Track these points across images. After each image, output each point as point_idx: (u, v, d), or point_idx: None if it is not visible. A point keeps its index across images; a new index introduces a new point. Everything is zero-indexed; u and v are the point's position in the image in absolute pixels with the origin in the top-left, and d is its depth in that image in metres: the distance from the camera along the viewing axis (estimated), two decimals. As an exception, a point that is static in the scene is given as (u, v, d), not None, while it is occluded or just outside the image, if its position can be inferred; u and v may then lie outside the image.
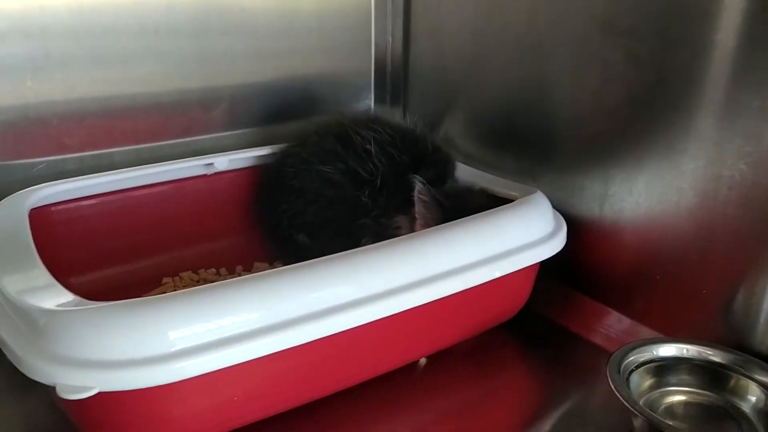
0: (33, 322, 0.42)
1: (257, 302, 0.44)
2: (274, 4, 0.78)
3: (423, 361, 0.61)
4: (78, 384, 0.39)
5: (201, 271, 0.72)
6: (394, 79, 0.90)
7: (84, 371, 0.39)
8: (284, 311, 0.45)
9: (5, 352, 0.43)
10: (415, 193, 0.61)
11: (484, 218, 0.57)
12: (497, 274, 0.55)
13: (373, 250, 0.51)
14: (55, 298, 0.44)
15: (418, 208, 0.62)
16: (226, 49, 0.76)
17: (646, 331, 0.63)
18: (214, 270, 0.73)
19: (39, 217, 0.61)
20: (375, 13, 0.86)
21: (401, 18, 0.86)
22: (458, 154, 0.80)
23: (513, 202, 0.61)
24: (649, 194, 0.60)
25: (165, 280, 0.70)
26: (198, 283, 0.71)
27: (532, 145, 0.71)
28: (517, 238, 0.57)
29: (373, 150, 0.66)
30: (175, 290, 0.68)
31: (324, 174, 0.68)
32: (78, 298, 0.44)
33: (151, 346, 0.41)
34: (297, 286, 0.46)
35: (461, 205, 0.61)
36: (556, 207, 0.65)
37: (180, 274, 0.71)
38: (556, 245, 0.59)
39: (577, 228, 0.65)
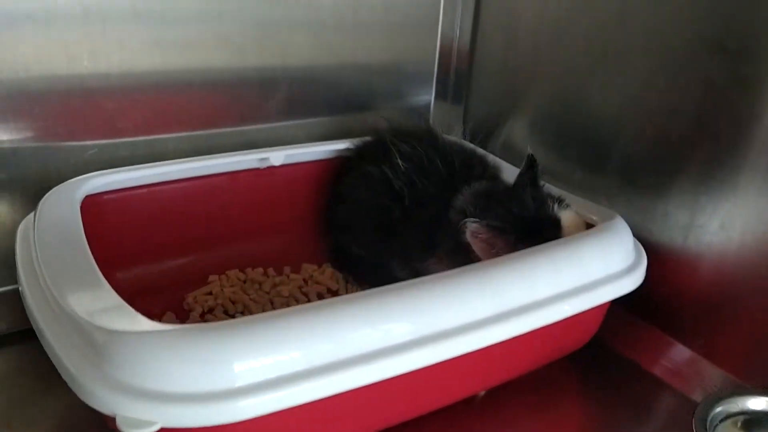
0: (92, 340, 0.39)
1: (327, 335, 0.41)
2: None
3: (482, 392, 0.58)
4: (139, 417, 0.36)
5: (248, 270, 0.70)
6: (457, 75, 0.85)
7: (145, 403, 0.36)
8: (351, 348, 0.41)
9: (60, 371, 0.40)
10: (468, 236, 0.53)
11: (561, 248, 0.53)
12: (571, 312, 0.51)
13: (439, 282, 0.47)
14: (116, 314, 0.41)
15: (477, 248, 0.54)
16: (287, 35, 0.72)
17: (720, 373, 0.59)
18: (261, 270, 0.70)
19: (88, 205, 0.58)
20: (444, 3, 0.80)
21: (471, 10, 0.81)
22: (520, 161, 0.75)
23: (591, 230, 0.56)
24: (745, 230, 0.55)
25: (211, 278, 0.68)
26: (245, 283, 0.68)
27: (610, 161, 0.66)
28: (595, 271, 0.53)
29: (402, 166, 0.63)
30: (222, 289, 0.66)
31: (365, 173, 0.65)
32: (137, 314, 0.41)
33: (216, 379, 0.38)
34: (368, 319, 0.43)
35: (534, 224, 0.55)
36: (634, 232, 0.60)
37: (227, 272, 0.69)
38: (635, 280, 0.55)
39: (654, 256, 0.60)
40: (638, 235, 0.62)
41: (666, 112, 0.60)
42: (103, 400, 0.37)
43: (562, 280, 0.51)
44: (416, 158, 0.63)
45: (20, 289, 0.48)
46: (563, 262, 0.52)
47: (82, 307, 0.42)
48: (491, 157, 0.71)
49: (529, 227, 0.54)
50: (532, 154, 0.59)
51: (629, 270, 0.55)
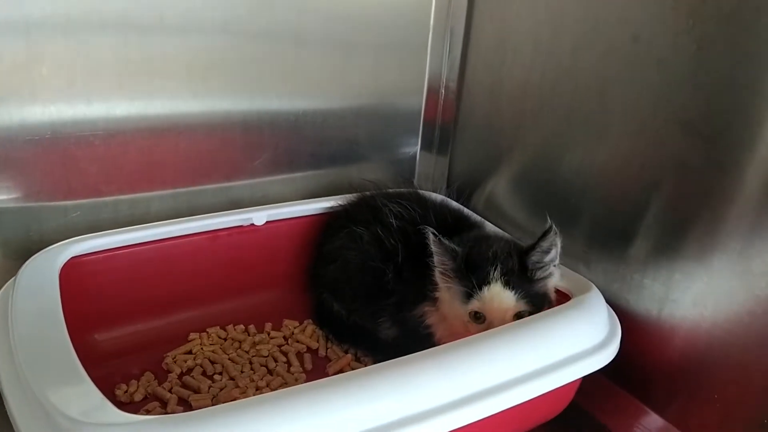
0: (58, 427, 0.40)
1: (301, 420, 0.41)
2: (329, 44, 0.74)
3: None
4: None
5: (229, 327, 0.70)
6: (442, 128, 0.86)
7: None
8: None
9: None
10: (431, 244, 0.57)
11: (532, 327, 0.53)
12: (544, 390, 0.51)
13: (413, 365, 0.47)
14: (85, 400, 0.42)
15: (435, 257, 0.58)
16: (274, 86, 0.73)
17: (693, 444, 0.59)
18: (242, 327, 0.70)
19: (68, 268, 0.59)
20: (430, 62, 0.82)
21: (457, 69, 0.82)
22: (502, 220, 0.77)
23: (565, 305, 0.56)
24: (716, 308, 0.55)
25: (192, 335, 0.68)
26: (225, 340, 0.68)
27: (588, 229, 0.67)
28: (568, 347, 0.53)
29: (395, 224, 0.64)
30: (202, 348, 0.66)
31: (355, 234, 0.66)
32: (107, 402, 0.42)
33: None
34: (338, 404, 0.43)
35: (481, 257, 0.57)
36: (610, 301, 0.61)
37: (207, 329, 0.69)
38: (607, 356, 0.55)
39: (630, 326, 0.60)
40: (615, 303, 0.62)
41: (641, 188, 0.60)
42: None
43: (534, 359, 0.51)
44: (408, 216, 0.64)
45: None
46: (536, 341, 0.52)
47: (52, 390, 0.42)
48: (477, 217, 0.72)
49: (473, 257, 0.57)
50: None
51: (602, 345, 0.55)
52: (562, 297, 0.60)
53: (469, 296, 0.56)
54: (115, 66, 0.62)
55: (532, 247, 0.57)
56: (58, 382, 0.44)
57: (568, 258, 0.67)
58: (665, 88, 0.57)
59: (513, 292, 0.56)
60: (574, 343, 0.54)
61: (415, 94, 0.84)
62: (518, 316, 0.57)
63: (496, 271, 0.57)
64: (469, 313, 0.57)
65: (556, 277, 0.60)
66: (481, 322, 0.57)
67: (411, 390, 0.46)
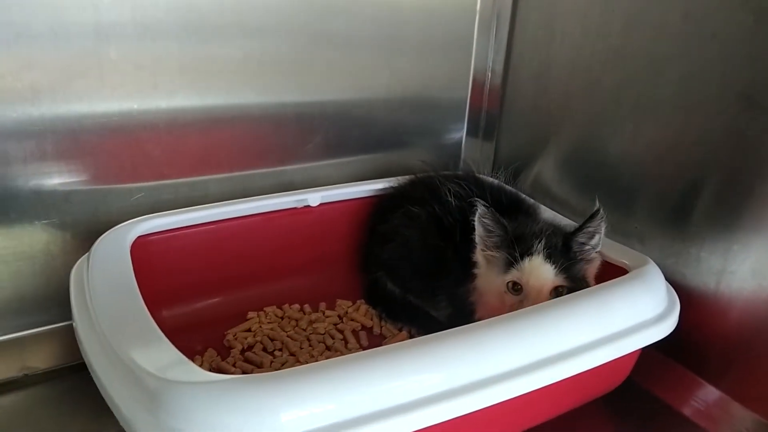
0: (146, 387, 0.41)
1: (370, 384, 0.43)
2: (376, 33, 0.76)
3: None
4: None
5: (285, 306, 0.72)
6: (488, 113, 0.87)
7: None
8: (394, 397, 0.43)
9: (114, 412, 0.42)
10: (477, 216, 0.59)
11: (592, 297, 0.53)
12: (603, 361, 0.51)
13: (474, 334, 0.48)
14: (169, 361, 0.43)
15: (478, 231, 0.59)
16: (325, 77, 0.75)
17: (748, 414, 0.59)
18: (297, 306, 0.72)
19: (136, 247, 0.61)
20: (476, 47, 0.83)
21: (503, 53, 0.83)
22: (551, 201, 0.77)
23: (623, 277, 0.57)
24: (776, 280, 0.55)
25: (250, 314, 0.70)
26: (282, 319, 0.70)
27: (642, 206, 0.67)
28: (626, 319, 0.54)
29: (453, 203, 0.65)
30: (260, 326, 0.68)
31: (411, 213, 0.67)
32: (190, 363, 0.43)
33: (264, 429, 0.39)
34: (407, 369, 0.44)
35: (528, 232, 0.58)
36: (666, 276, 0.61)
37: (265, 308, 0.71)
38: (666, 328, 0.55)
39: (687, 299, 0.60)
40: (671, 278, 0.63)
41: (695, 163, 0.61)
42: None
43: (594, 328, 0.52)
44: (466, 195, 0.65)
45: (75, 331, 0.51)
46: (596, 311, 0.53)
47: (136, 353, 0.44)
48: (531, 201, 0.72)
49: (521, 237, 0.58)
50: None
51: (661, 317, 0.56)
52: (619, 271, 0.61)
53: (509, 266, 0.57)
54: (179, 59, 0.65)
55: (579, 229, 0.58)
56: (141, 344, 0.45)
57: (621, 235, 0.68)
58: (721, 62, 0.57)
59: (553, 266, 0.57)
60: (635, 314, 0.54)
61: (461, 82, 0.85)
62: (557, 292, 0.57)
63: (540, 244, 0.57)
64: (507, 283, 0.58)
65: (595, 265, 0.60)
66: (518, 293, 0.58)
67: (471, 358, 0.47)
